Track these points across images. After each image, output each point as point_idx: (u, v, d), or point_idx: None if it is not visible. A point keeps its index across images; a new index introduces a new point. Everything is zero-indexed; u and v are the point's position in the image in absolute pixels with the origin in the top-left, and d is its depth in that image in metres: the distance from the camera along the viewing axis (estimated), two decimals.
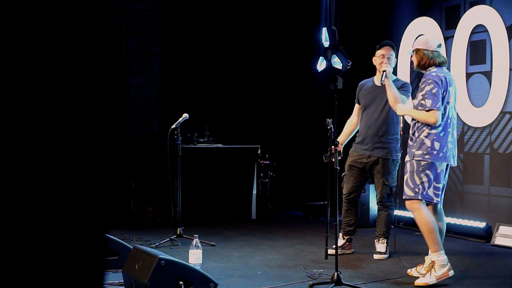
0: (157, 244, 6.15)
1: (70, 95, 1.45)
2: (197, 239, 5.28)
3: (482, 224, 6.66)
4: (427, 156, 4.79)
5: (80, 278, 1.48)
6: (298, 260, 5.68)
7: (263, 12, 9.50)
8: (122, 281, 4.60)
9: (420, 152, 4.81)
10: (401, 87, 5.78)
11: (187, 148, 7.85)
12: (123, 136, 8.60)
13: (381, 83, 5.57)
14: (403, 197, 4.94)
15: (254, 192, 8.38)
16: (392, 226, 7.60)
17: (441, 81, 4.80)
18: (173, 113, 7.58)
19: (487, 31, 6.75)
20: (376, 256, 5.82)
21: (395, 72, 6.38)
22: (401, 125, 5.15)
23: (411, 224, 7.53)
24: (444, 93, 4.81)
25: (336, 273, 4.55)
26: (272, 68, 9.57)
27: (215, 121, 9.05)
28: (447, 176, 4.97)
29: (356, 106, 6.20)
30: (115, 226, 7.26)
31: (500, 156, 6.62)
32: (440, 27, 7.32)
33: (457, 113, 5.06)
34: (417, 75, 7.62)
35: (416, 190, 4.81)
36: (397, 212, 7.70)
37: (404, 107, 5.19)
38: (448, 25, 7.25)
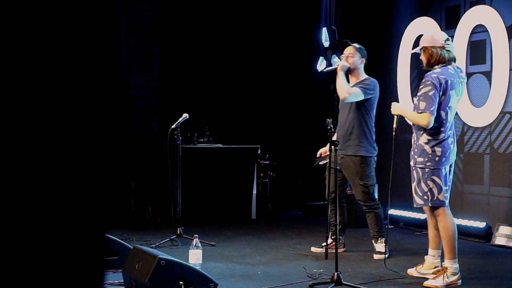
0: (157, 244, 6.15)
1: (70, 95, 1.45)
2: (197, 239, 5.28)
3: (482, 224, 6.66)
4: (429, 164, 4.73)
5: (80, 278, 1.48)
6: (298, 260, 5.68)
7: (263, 12, 9.50)
8: (122, 281, 4.59)
9: (421, 159, 4.76)
10: (361, 81, 5.89)
11: (187, 148, 7.85)
12: (123, 136, 8.60)
13: (325, 70, 6.00)
14: (414, 205, 4.92)
15: (254, 192, 8.38)
16: (392, 226, 7.60)
17: (440, 84, 4.67)
18: (173, 113, 7.58)
19: (487, 31, 6.75)
20: (376, 256, 5.81)
21: (394, 71, 6.36)
22: (395, 125, 5.05)
23: (411, 224, 7.54)
24: (443, 96, 4.69)
25: (336, 273, 4.55)
26: (272, 68, 9.57)
27: (215, 121, 9.05)
28: (452, 173, 4.92)
29: None
30: (115, 226, 7.26)
31: (500, 156, 6.62)
32: (440, 27, 7.32)
33: (456, 113, 5.03)
34: (417, 75, 7.63)
35: (425, 197, 4.78)
36: (397, 212, 7.71)
37: (399, 106, 5.07)
38: (448, 25, 7.25)
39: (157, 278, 4.15)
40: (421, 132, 4.76)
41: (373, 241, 5.95)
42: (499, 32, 6.59)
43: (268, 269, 5.35)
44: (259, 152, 8.37)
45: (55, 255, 1.44)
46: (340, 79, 5.81)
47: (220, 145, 8.36)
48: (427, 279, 4.87)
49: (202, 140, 8.31)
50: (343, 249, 6.07)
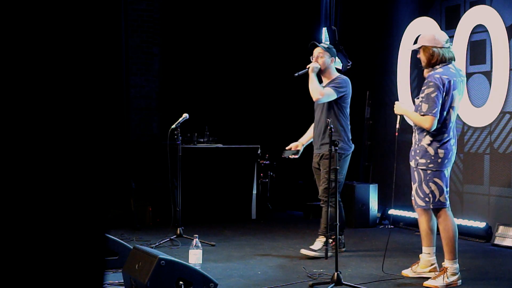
0: (157, 244, 6.15)
1: (70, 95, 1.45)
2: (197, 239, 5.28)
3: (482, 224, 6.66)
4: (431, 165, 4.71)
5: (80, 278, 1.48)
6: (298, 260, 5.68)
7: (263, 12, 9.50)
8: (122, 281, 4.59)
9: (423, 160, 4.74)
10: (333, 80, 5.89)
11: (187, 148, 7.85)
12: (123, 136, 8.60)
13: (296, 75, 5.92)
14: (415, 207, 4.89)
15: (254, 192, 8.38)
16: (392, 226, 7.60)
17: (443, 84, 4.64)
18: (173, 113, 7.57)
19: (487, 31, 6.74)
20: (302, 251, 5.77)
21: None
22: (398, 125, 5.03)
23: (411, 224, 7.53)
24: (446, 97, 4.66)
25: (336, 273, 4.55)
26: (272, 68, 9.57)
27: (215, 121, 9.05)
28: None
29: None
30: (115, 226, 7.26)
31: (500, 156, 6.62)
32: (440, 27, 7.32)
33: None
34: (417, 75, 7.63)
35: (427, 199, 4.76)
36: (397, 212, 7.71)
37: (402, 106, 5.01)
38: (448, 25, 7.25)
39: (157, 278, 4.15)
40: (424, 134, 4.73)
41: (317, 237, 5.89)
42: (499, 32, 6.59)
43: (268, 269, 5.35)
44: (259, 152, 8.37)
45: (55, 255, 1.44)
46: (312, 81, 5.81)
47: (220, 145, 8.35)
48: (424, 278, 4.86)
49: (202, 140, 8.31)
50: (343, 249, 6.05)
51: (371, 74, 8.45)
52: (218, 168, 8.19)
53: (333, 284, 4.52)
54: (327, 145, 5.81)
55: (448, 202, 4.81)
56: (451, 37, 7.16)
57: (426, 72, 4.82)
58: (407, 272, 5.06)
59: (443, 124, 4.70)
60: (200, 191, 8.01)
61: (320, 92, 5.77)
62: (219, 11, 9.47)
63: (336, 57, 6.09)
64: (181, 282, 4.20)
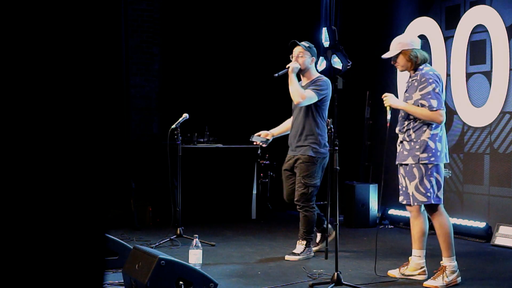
0: (157, 244, 6.15)
1: (70, 95, 1.45)
2: (197, 239, 5.28)
3: (482, 224, 6.66)
4: (432, 159, 4.75)
5: (80, 278, 1.48)
6: (298, 260, 5.68)
7: (263, 12, 9.50)
8: (122, 281, 4.59)
9: (425, 155, 4.76)
10: (313, 83, 5.76)
11: (187, 148, 7.85)
12: (123, 136, 8.60)
13: (276, 75, 5.76)
14: (415, 203, 4.85)
15: (254, 192, 8.38)
16: (392, 226, 7.60)
17: (439, 79, 4.82)
18: (173, 113, 7.58)
19: (487, 31, 6.74)
20: (287, 257, 5.73)
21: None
22: (389, 116, 4.91)
23: None
24: (442, 91, 4.84)
25: (336, 273, 4.55)
26: (272, 68, 9.55)
27: (215, 121, 9.05)
28: None
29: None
30: (115, 226, 7.26)
31: (500, 156, 6.62)
32: (440, 27, 7.32)
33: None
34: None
35: (428, 194, 4.77)
36: (397, 212, 7.71)
37: (397, 101, 4.94)
38: (448, 25, 7.25)
39: (157, 278, 4.15)
40: (424, 129, 4.78)
41: (297, 241, 5.86)
42: (499, 32, 6.59)
43: (268, 269, 5.35)
44: (259, 152, 8.37)
45: (55, 255, 1.44)
46: (293, 83, 5.67)
47: (220, 145, 8.36)
48: (416, 280, 4.88)
49: (202, 140, 8.31)
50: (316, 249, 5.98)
51: (371, 74, 8.44)
52: (218, 168, 8.19)
53: (333, 284, 4.52)
54: (303, 148, 5.73)
55: (442, 199, 4.87)
56: (451, 37, 7.17)
57: (412, 73, 4.93)
58: (393, 273, 5.04)
59: None
60: (200, 191, 8.01)
61: (301, 95, 5.62)
62: (219, 11, 9.47)
63: (336, 58, 6.02)
64: (181, 282, 4.20)
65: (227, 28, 9.46)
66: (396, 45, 4.96)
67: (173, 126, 6.51)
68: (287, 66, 5.76)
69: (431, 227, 4.94)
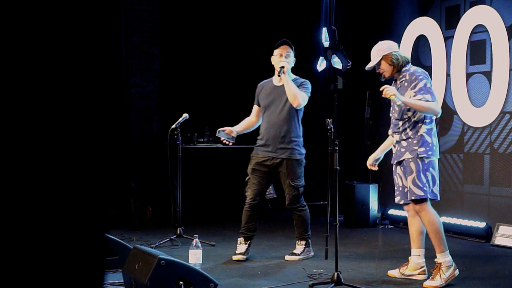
0: (157, 244, 6.15)
1: (70, 95, 1.45)
2: (197, 239, 5.28)
3: (482, 224, 6.66)
4: (430, 153, 4.80)
5: (80, 278, 1.48)
6: (298, 260, 5.68)
7: (263, 12, 9.50)
8: (122, 281, 4.59)
9: (423, 149, 4.80)
10: (301, 85, 5.71)
11: (187, 148, 7.85)
12: (123, 136, 8.60)
13: (278, 75, 5.71)
14: (412, 198, 4.82)
15: None
16: (392, 226, 7.60)
17: (428, 75, 4.90)
18: (173, 113, 7.57)
19: (487, 31, 6.74)
20: (287, 257, 5.73)
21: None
22: (398, 102, 5.01)
23: None
24: (431, 86, 4.89)
25: (336, 273, 4.55)
26: (272, 68, 9.56)
27: (215, 121, 9.04)
28: None
29: (255, 107, 6.04)
30: (115, 226, 7.26)
31: (500, 156, 6.62)
32: (440, 27, 7.32)
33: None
34: None
35: (425, 189, 4.79)
36: (397, 212, 7.71)
37: (398, 93, 4.86)
38: (448, 25, 7.25)
39: (157, 278, 4.15)
40: (420, 124, 4.83)
41: (296, 242, 5.86)
42: (499, 32, 6.59)
43: (268, 269, 5.35)
44: None
45: (55, 255, 1.44)
46: (292, 84, 5.63)
47: (220, 145, 8.35)
48: (415, 280, 4.88)
49: (202, 140, 8.31)
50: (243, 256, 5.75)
51: (371, 74, 8.43)
52: (218, 168, 8.19)
53: (333, 284, 4.52)
54: (288, 151, 5.65)
55: (438, 196, 4.90)
56: (451, 37, 7.17)
57: (398, 76, 4.98)
58: (393, 273, 5.05)
59: None
60: (200, 191, 8.01)
61: (303, 99, 5.60)
62: (219, 11, 9.47)
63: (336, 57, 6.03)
64: (181, 282, 4.20)
65: (227, 28, 9.46)
66: (376, 53, 5.03)
67: (173, 126, 6.52)
68: (281, 66, 5.71)
69: None
